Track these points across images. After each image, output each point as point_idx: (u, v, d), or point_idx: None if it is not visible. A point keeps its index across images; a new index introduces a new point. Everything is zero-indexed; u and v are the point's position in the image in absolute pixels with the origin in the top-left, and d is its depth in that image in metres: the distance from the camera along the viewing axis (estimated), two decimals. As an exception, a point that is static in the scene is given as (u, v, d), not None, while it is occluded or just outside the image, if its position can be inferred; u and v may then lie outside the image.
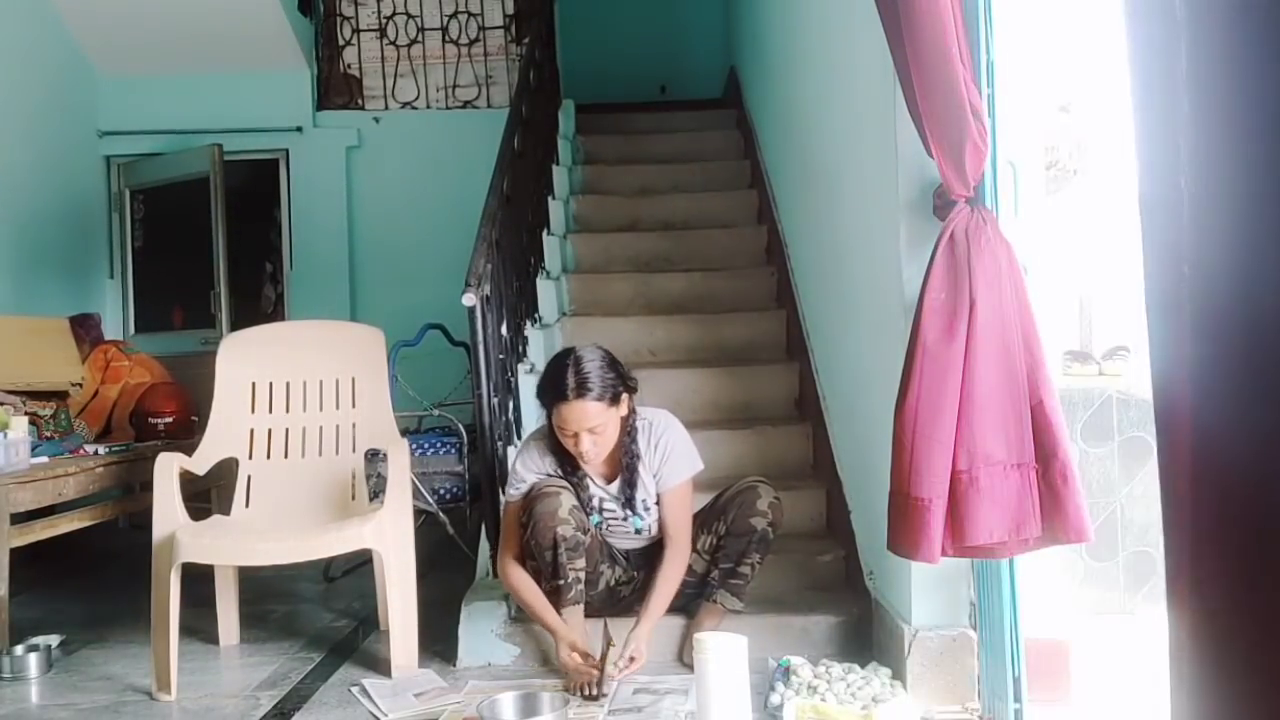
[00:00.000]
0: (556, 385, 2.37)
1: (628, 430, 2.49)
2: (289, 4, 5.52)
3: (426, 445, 3.81)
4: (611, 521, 2.55)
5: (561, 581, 2.39)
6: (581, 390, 2.34)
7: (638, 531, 2.56)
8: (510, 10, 6.03)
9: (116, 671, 2.69)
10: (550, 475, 2.49)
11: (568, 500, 2.40)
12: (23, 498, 2.89)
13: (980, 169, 1.87)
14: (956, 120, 1.81)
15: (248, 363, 3.01)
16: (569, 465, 2.50)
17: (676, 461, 2.50)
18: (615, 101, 5.98)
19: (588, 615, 2.50)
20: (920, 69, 1.84)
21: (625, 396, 2.44)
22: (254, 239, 6.23)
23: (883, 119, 2.29)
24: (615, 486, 2.53)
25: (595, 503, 2.53)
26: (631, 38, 6.68)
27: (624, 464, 2.50)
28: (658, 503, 2.53)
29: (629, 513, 2.53)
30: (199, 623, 2.89)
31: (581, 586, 2.43)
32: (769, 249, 4.30)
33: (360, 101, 5.97)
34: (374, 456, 3.15)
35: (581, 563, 2.41)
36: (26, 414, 3.54)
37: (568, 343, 3.78)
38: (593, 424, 2.36)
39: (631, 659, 2.35)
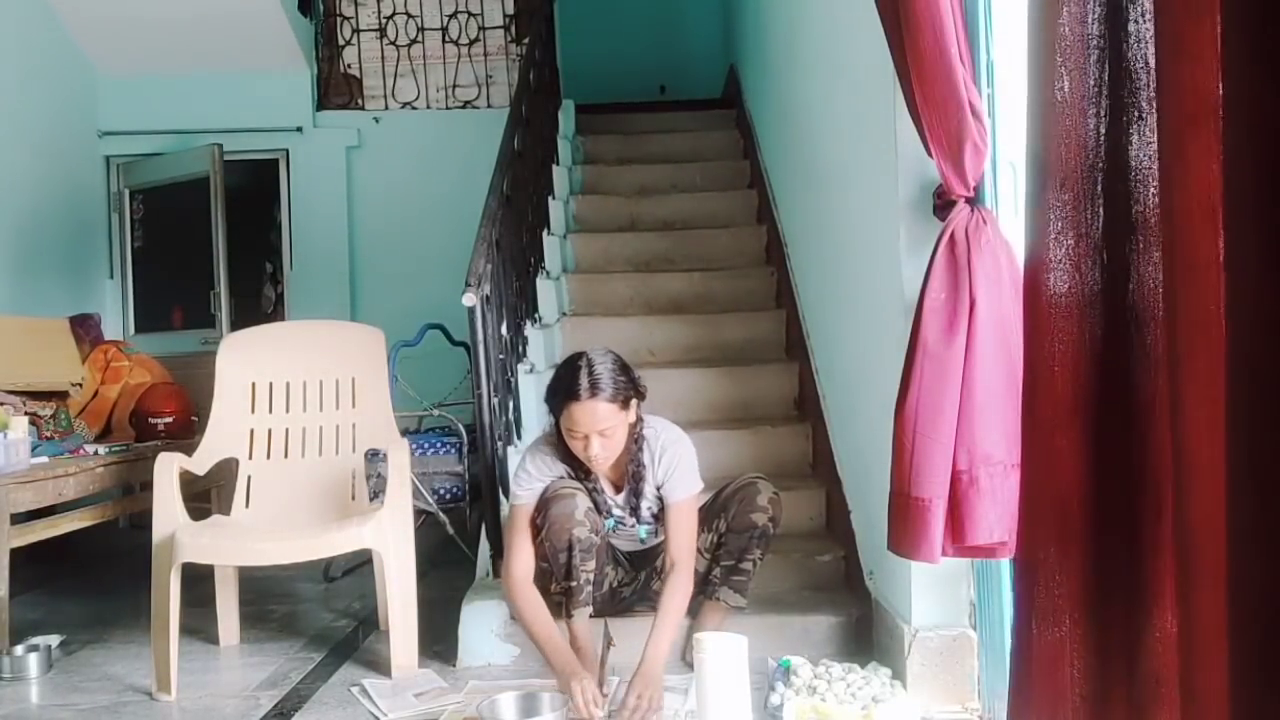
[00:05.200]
0: (569, 386, 2.35)
1: (635, 438, 2.48)
2: (289, 4, 5.52)
3: (426, 445, 3.82)
4: (620, 527, 2.55)
5: (573, 583, 2.39)
6: (594, 390, 2.32)
7: (643, 540, 2.56)
8: (510, 10, 6.04)
9: (116, 671, 2.69)
10: (562, 478, 2.48)
11: (583, 502, 2.39)
12: (23, 498, 2.89)
13: (980, 169, 1.87)
14: (956, 120, 1.81)
15: (248, 363, 3.01)
16: (580, 472, 2.49)
17: (681, 477, 2.46)
18: (615, 101, 5.98)
19: (591, 616, 2.49)
20: (920, 69, 1.84)
21: (635, 402, 2.43)
22: (254, 239, 6.23)
23: (883, 119, 2.29)
24: (622, 496, 2.53)
25: (608, 507, 2.53)
26: (631, 38, 6.68)
27: (630, 472, 2.49)
28: (663, 509, 2.53)
29: (635, 521, 2.53)
30: (199, 623, 2.89)
31: (590, 589, 2.42)
32: (769, 249, 4.30)
33: (360, 101, 5.97)
34: (374, 456, 3.15)
35: (592, 564, 2.41)
36: (26, 414, 3.54)
37: (568, 343, 3.79)
38: (603, 426, 2.33)
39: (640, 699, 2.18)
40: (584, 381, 2.32)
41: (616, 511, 2.53)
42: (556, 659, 2.28)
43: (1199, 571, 0.90)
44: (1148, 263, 1.05)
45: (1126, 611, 1.08)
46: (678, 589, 2.37)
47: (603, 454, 2.37)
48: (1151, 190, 1.03)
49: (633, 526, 2.53)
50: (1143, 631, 1.06)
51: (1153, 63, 1.01)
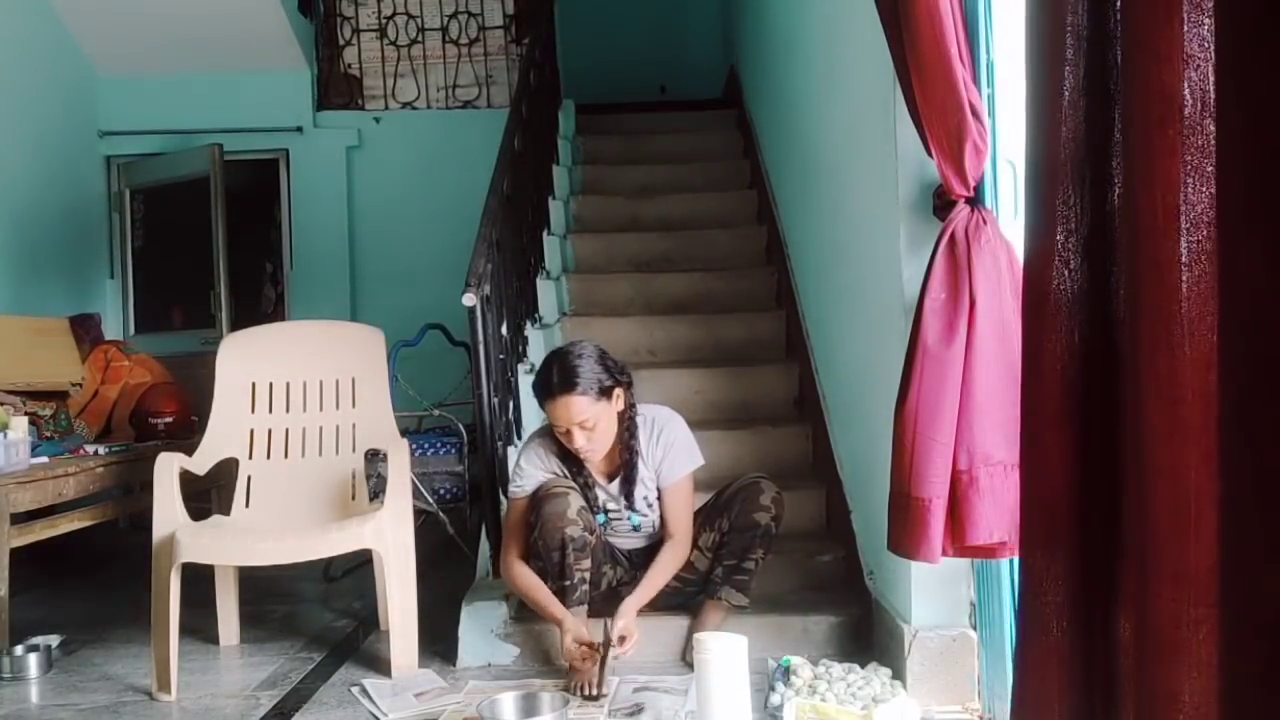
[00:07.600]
0: (544, 382, 2.41)
1: (627, 426, 2.49)
2: (289, 4, 5.52)
3: (426, 445, 3.82)
4: (616, 521, 2.56)
5: (568, 582, 2.39)
6: (565, 385, 2.36)
7: (635, 529, 2.56)
8: (510, 10, 6.04)
9: (116, 671, 2.69)
10: (556, 474, 2.49)
11: (576, 501, 2.40)
12: (23, 498, 2.89)
13: (980, 169, 1.87)
14: (956, 120, 1.81)
15: (248, 363, 3.01)
16: (574, 466, 2.50)
17: (678, 456, 2.51)
18: (615, 101, 5.98)
19: (589, 615, 2.50)
20: (920, 69, 1.84)
21: (619, 391, 2.44)
22: (254, 239, 6.23)
23: (883, 119, 2.29)
24: (615, 485, 2.54)
25: (600, 502, 2.53)
26: (631, 38, 6.68)
27: (623, 459, 2.50)
28: (659, 499, 2.53)
29: (630, 510, 2.53)
30: (199, 623, 2.89)
31: (586, 587, 2.43)
32: (769, 249, 4.30)
33: (360, 101, 5.98)
34: (374, 456, 3.15)
35: (587, 563, 2.41)
36: (26, 414, 3.54)
37: (567, 342, 3.79)
38: (581, 418, 2.36)
39: (623, 638, 2.32)
40: (555, 376, 2.38)
41: (612, 506, 2.54)
42: (553, 607, 2.40)
43: (1158, 571, 0.89)
44: (1117, 261, 1.05)
45: (1104, 616, 1.08)
46: (672, 551, 2.48)
47: (588, 446, 2.39)
48: (1118, 190, 1.04)
49: (626, 516, 2.54)
50: (1114, 637, 1.06)
51: (1119, 61, 1.01)
